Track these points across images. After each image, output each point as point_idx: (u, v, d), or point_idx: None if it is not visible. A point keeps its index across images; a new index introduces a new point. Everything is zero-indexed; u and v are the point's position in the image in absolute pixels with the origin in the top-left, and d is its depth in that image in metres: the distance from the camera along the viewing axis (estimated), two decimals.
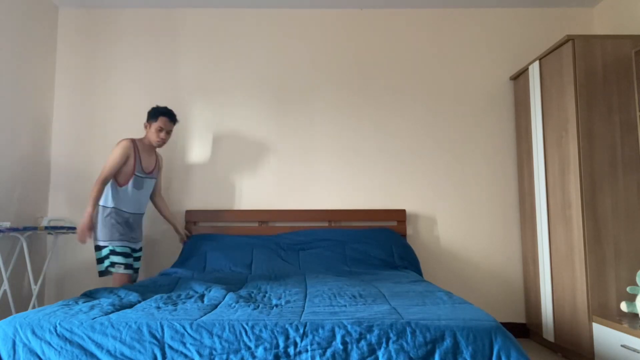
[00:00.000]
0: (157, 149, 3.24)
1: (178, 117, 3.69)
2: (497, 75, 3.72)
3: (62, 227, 3.25)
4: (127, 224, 2.97)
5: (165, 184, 3.62)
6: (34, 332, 1.63)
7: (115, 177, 2.93)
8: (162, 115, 3.05)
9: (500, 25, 3.76)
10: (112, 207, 2.91)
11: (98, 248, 2.89)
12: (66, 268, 3.57)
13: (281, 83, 3.72)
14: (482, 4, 3.72)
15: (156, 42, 3.75)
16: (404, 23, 3.77)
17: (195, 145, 3.67)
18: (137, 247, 3.08)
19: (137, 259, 3.08)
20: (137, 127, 3.64)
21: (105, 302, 1.94)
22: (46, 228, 3.15)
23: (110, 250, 2.87)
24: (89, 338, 1.61)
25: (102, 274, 2.90)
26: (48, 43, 3.63)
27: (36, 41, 3.48)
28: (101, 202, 2.92)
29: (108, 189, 2.93)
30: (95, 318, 1.68)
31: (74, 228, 3.33)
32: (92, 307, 1.83)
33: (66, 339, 1.61)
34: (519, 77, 3.58)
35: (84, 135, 3.66)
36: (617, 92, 2.88)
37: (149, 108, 3.67)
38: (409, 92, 3.71)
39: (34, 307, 3.18)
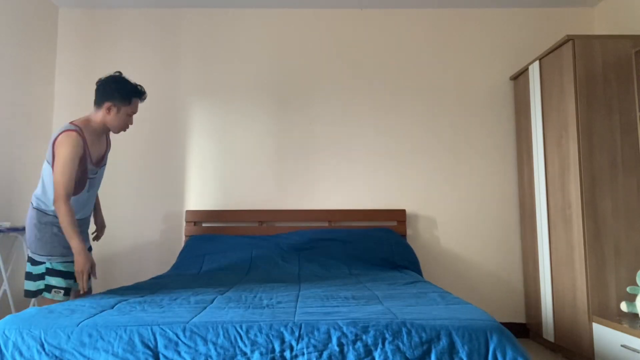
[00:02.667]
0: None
1: (178, 117, 3.70)
2: (497, 75, 3.71)
3: None
4: None
5: (165, 183, 3.62)
6: (21, 354, 1.55)
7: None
8: (136, 97, 2.34)
9: (500, 25, 3.75)
10: (54, 214, 2.24)
11: (33, 262, 2.23)
12: None
13: (281, 83, 3.72)
14: (482, 4, 3.71)
15: (156, 42, 3.75)
16: (404, 23, 3.77)
17: (195, 145, 3.67)
18: None
19: None
20: (138, 127, 3.64)
21: (85, 303, 1.89)
22: None
23: (47, 268, 2.20)
24: (81, 354, 1.54)
25: (29, 294, 2.21)
26: (48, 43, 3.64)
27: (36, 41, 3.49)
28: (39, 205, 2.26)
29: (48, 190, 2.23)
30: (80, 323, 1.62)
31: None
32: (72, 312, 1.76)
33: (56, 357, 1.54)
34: (519, 77, 3.57)
35: None
36: (617, 92, 2.87)
37: (148, 107, 3.68)
38: (409, 92, 3.71)
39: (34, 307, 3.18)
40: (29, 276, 2.22)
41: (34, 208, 2.27)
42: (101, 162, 2.39)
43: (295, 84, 3.72)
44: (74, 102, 3.69)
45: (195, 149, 3.67)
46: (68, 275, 2.23)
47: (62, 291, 2.21)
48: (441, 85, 3.71)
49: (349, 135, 3.67)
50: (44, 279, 2.21)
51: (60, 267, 2.21)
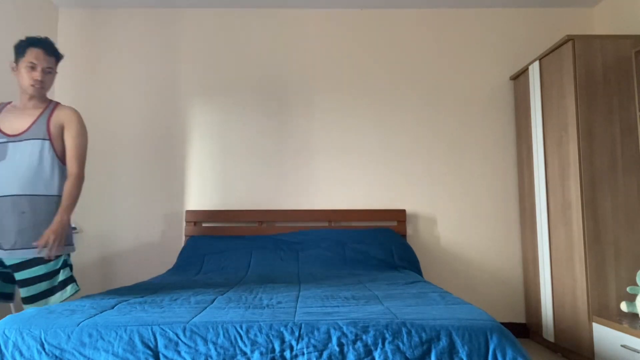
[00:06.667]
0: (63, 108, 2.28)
1: (178, 117, 3.69)
2: (497, 75, 3.71)
3: None
4: None
5: (165, 183, 3.62)
6: (21, 354, 1.55)
7: None
8: (32, 46, 2.09)
9: (500, 25, 3.75)
10: None
11: None
12: None
13: (281, 83, 3.72)
14: (482, 4, 3.71)
15: (156, 42, 3.75)
16: (404, 23, 3.77)
17: (195, 145, 3.67)
18: (2, 255, 2.05)
19: (19, 281, 2.08)
20: (138, 127, 3.64)
21: (86, 303, 1.89)
22: None
23: None
24: (81, 354, 1.54)
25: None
26: None
27: None
28: None
29: None
30: (80, 323, 1.61)
31: (74, 228, 3.33)
32: (72, 312, 1.76)
33: (56, 357, 1.54)
34: (519, 77, 3.57)
35: None
36: (617, 92, 2.87)
37: (149, 108, 3.69)
38: (409, 92, 3.71)
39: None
40: None
41: None
42: (19, 134, 2.12)
43: (295, 84, 3.72)
44: (74, 102, 3.69)
45: (196, 148, 3.67)
46: None
47: None
48: (441, 85, 3.71)
49: (349, 135, 3.67)
50: None
51: None
